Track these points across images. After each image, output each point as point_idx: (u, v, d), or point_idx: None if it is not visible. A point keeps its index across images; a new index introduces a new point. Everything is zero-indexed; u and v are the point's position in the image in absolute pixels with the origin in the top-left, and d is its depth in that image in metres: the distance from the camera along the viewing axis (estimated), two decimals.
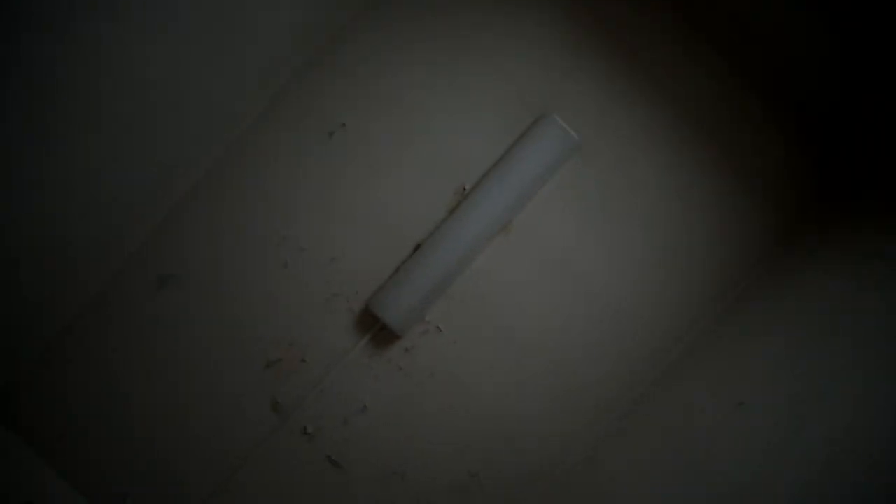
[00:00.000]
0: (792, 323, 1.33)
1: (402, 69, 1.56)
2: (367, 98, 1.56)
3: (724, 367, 1.42)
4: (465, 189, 1.57)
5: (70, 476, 1.47)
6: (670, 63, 1.55)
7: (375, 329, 1.56)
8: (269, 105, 1.54)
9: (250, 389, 1.55)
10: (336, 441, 1.56)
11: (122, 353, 1.53)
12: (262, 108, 1.53)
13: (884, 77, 1.31)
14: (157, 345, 1.54)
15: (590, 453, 1.55)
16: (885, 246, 1.26)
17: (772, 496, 1.00)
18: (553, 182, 1.57)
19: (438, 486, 1.57)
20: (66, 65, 0.93)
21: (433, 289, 1.52)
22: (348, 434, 1.56)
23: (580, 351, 1.59)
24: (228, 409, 1.55)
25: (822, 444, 1.01)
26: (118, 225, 1.41)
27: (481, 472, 1.57)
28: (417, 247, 1.56)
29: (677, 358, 1.57)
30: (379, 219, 1.57)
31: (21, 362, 1.47)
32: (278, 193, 1.56)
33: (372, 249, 1.57)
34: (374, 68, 1.56)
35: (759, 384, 1.27)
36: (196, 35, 1.15)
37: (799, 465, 1.01)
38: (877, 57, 1.29)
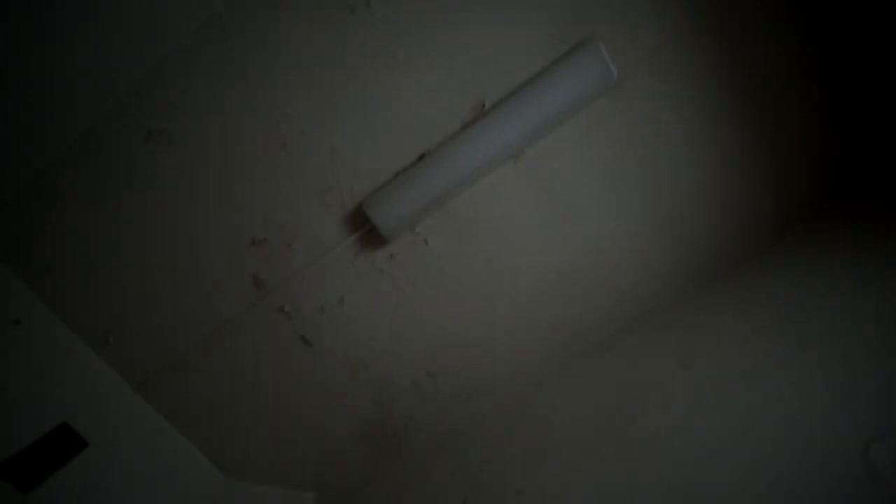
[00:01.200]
0: (755, 308, 1.41)
1: None
2: None
3: (680, 333, 1.52)
4: (484, 105, 1.47)
5: (56, 307, 1.54)
6: (733, 21, 1.38)
7: (365, 230, 1.56)
8: None
9: (234, 262, 1.58)
10: (311, 324, 1.65)
11: (110, 198, 1.51)
12: None
13: None
14: (144, 197, 1.52)
15: (539, 381, 1.70)
16: (866, 258, 1.30)
17: (691, 439, 1.16)
18: (579, 116, 1.48)
19: (398, 380, 1.72)
20: None
21: (429, 202, 1.50)
22: (323, 321, 1.65)
23: (554, 289, 1.65)
24: (210, 275, 1.59)
25: (745, 408, 1.14)
26: (113, 63, 1.29)
27: (438, 375, 1.73)
28: (422, 156, 1.50)
29: (640, 316, 1.66)
30: (388, 117, 1.48)
31: (9, 190, 1.44)
32: (286, 66, 1.42)
33: (376, 148, 1.50)
34: None
35: (707, 353, 1.37)
36: None
37: (721, 418, 1.15)
38: None
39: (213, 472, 1.69)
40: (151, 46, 1.35)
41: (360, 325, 1.66)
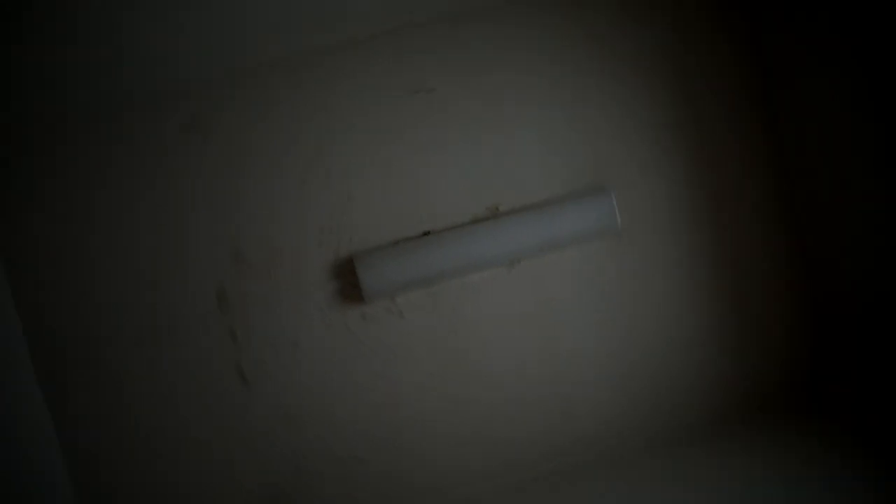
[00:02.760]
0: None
1: (507, 69, 1.55)
2: (465, 79, 1.55)
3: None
4: (497, 209, 1.58)
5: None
6: (737, 198, 1.59)
7: (347, 281, 1.55)
8: (372, 35, 1.52)
9: (208, 268, 1.52)
10: (252, 357, 1.53)
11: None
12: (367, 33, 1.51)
13: None
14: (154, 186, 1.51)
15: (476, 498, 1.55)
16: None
17: None
18: (577, 248, 1.58)
19: (325, 454, 1.55)
20: None
21: (417, 278, 1.51)
22: (267, 357, 1.54)
23: (516, 408, 1.59)
24: (177, 270, 1.51)
25: None
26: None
27: (370, 458, 1.56)
28: (426, 234, 1.56)
29: (598, 465, 1.58)
30: (409, 190, 1.56)
31: None
32: (332, 116, 1.53)
33: (387, 210, 1.55)
34: (486, 55, 1.55)
35: None
36: None
37: None
38: None
39: None
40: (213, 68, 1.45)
41: (300, 377, 1.54)
